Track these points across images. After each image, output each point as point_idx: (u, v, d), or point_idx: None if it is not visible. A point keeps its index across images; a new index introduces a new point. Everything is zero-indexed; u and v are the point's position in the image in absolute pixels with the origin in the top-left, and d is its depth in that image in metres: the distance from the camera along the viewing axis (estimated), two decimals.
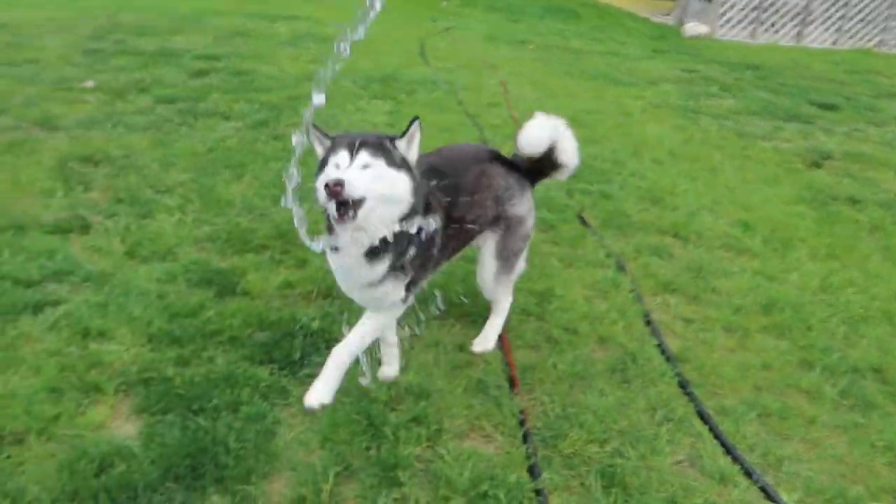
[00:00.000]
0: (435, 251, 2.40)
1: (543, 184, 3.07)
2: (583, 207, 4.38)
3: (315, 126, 2.23)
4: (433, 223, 2.28)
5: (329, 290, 3.17)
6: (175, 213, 3.75)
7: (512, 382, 2.70)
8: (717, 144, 6.25)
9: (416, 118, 2.24)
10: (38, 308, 2.85)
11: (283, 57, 7.74)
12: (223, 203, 3.94)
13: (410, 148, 2.23)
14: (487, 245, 2.79)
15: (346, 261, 2.22)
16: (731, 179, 5.34)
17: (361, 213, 2.03)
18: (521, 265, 3.00)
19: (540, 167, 2.87)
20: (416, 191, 2.17)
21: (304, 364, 2.67)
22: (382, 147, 2.13)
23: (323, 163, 2.15)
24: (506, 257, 2.81)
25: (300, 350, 2.73)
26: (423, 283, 2.55)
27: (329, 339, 2.82)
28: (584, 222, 4.18)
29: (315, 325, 2.89)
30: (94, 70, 6.59)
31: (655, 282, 3.59)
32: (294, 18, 10.36)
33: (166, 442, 2.21)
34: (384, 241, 2.15)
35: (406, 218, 2.17)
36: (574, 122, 6.05)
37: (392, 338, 2.63)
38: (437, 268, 2.61)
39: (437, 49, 9.28)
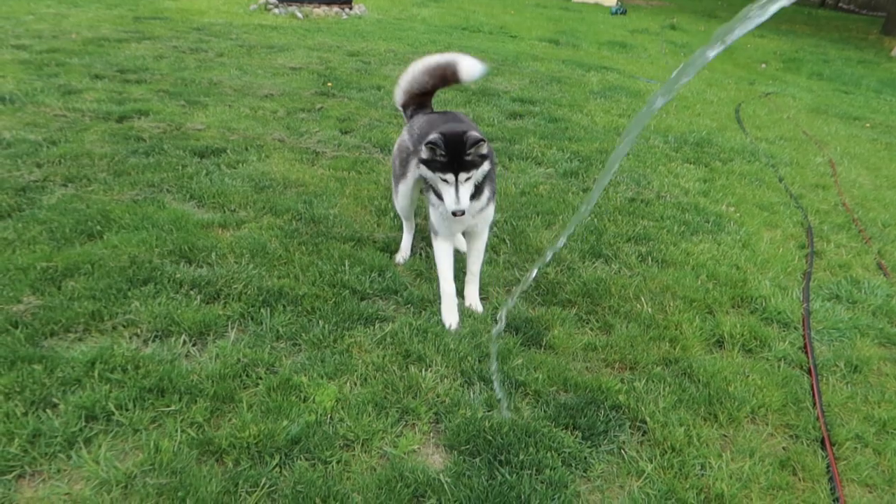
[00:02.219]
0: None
1: None
2: None
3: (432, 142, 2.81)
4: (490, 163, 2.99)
5: (635, 363, 3.05)
6: (488, 252, 3.90)
7: None
8: None
9: (480, 139, 2.82)
10: (369, 321, 3.12)
11: (595, 108, 7.80)
12: (532, 249, 4.02)
13: (479, 149, 2.84)
14: None
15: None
16: None
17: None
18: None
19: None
20: (491, 154, 2.95)
21: (608, 438, 2.57)
22: (474, 163, 2.83)
23: (430, 163, 2.86)
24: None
25: (605, 423, 2.63)
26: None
27: (635, 418, 2.69)
28: None
29: (621, 398, 2.77)
30: None
31: None
32: (606, 69, 10.45)
33: (473, 486, 2.24)
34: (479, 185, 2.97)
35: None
36: None
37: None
38: None
39: (756, 116, 8.68)
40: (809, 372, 3.17)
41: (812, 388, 3.04)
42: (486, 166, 2.92)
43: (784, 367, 3.19)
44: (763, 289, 3.82)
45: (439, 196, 2.98)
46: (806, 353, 3.32)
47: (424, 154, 2.87)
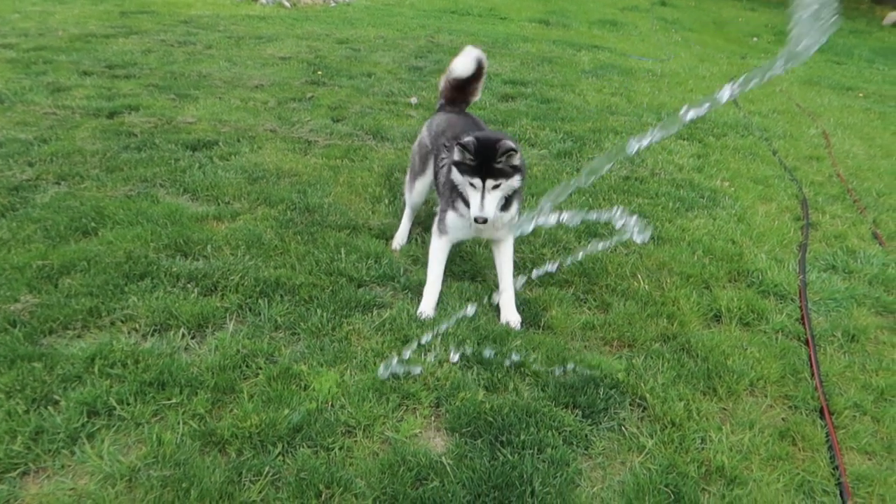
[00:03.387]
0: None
1: None
2: None
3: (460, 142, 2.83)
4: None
5: (633, 340, 3.06)
6: None
7: (843, 492, 2.34)
8: None
9: (511, 148, 2.80)
10: (367, 308, 3.12)
11: (587, 87, 7.78)
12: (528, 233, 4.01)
13: (511, 160, 2.83)
14: None
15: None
16: None
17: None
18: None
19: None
20: (523, 167, 2.92)
21: (608, 416, 2.58)
22: (504, 172, 2.80)
23: (460, 165, 2.85)
24: None
25: (605, 400, 2.64)
26: None
27: (634, 395, 2.70)
28: None
29: (620, 376, 2.78)
30: (417, 87, 7.20)
31: None
32: (597, 48, 10.41)
33: (476, 467, 2.25)
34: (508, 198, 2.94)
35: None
36: None
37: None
38: None
39: (749, 90, 8.66)
40: (807, 343, 3.18)
41: (810, 359, 3.05)
42: (516, 181, 2.87)
43: (782, 338, 3.21)
44: (759, 262, 3.83)
45: (466, 202, 2.95)
46: (803, 324, 3.33)
47: (456, 155, 2.86)
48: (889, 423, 2.70)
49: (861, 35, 15.40)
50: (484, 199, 2.82)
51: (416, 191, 3.64)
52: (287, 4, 12.45)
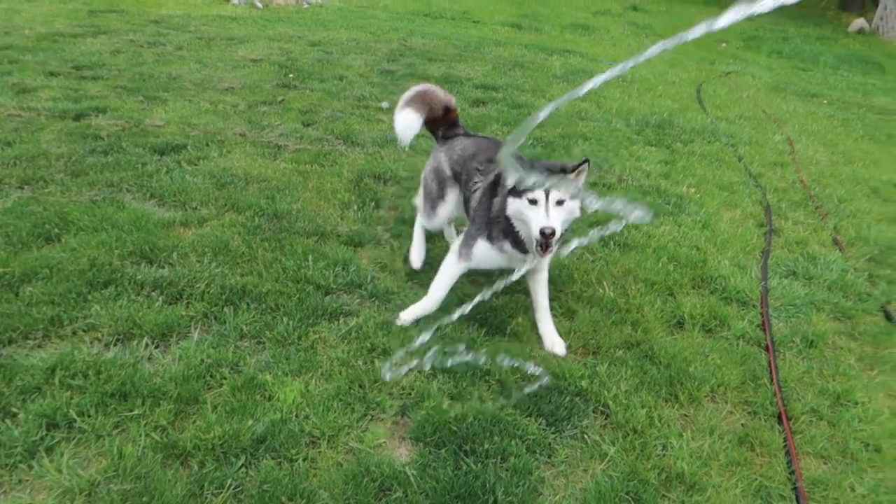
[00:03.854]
0: None
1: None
2: (889, 300, 3.82)
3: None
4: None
5: (597, 348, 3.10)
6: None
7: (798, 497, 2.40)
8: None
9: (586, 160, 2.76)
10: (333, 316, 3.12)
11: (558, 92, 7.84)
12: None
13: (579, 179, 2.77)
14: None
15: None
16: None
17: (555, 240, 2.68)
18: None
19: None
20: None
21: (571, 424, 2.62)
22: (569, 184, 2.70)
23: (515, 192, 2.75)
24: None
25: (568, 409, 2.67)
26: None
27: (598, 402, 2.74)
28: (889, 318, 3.64)
29: (584, 384, 2.82)
30: (388, 91, 7.19)
31: None
32: (569, 53, 10.49)
33: (439, 477, 2.27)
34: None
35: None
36: (877, 196, 5.39)
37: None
38: None
39: (716, 96, 8.81)
40: (767, 349, 3.25)
41: (769, 365, 3.12)
42: (576, 209, 2.75)
43: (743, 344, 3.27)
44: (722, 268, 3.90)
45: (507, 233, 2.88)
46: (764, 330, 3.40)
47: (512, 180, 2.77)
48: (844, 427, 2.78)
49: (827, 42, 15.72)
50: (549, 212, 2.67)
51: (438, 217, 3.53)
52: (259, 5, 12.37)
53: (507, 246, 2.93)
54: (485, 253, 3.02)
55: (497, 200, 2.94)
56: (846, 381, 3.06)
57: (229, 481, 2.18)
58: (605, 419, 2.69)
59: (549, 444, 2.52)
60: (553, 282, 3.58)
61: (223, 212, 4.01)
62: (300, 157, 5.00)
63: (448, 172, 3.41)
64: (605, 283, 3.62)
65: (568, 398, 2.72)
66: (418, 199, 3.68)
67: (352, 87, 7.21)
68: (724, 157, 6.09)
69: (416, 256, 3.68)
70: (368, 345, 2.93)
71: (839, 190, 5.59)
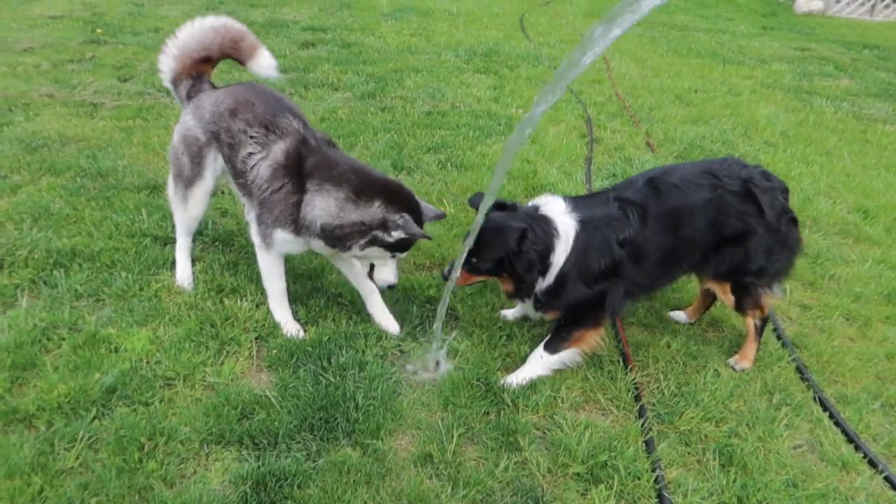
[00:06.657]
0: None
1: None
2: None
3: None
4: None
5: (442, 260, 3.26)
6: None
7: (625, 358, 2.71)
8: (834, 127, 5.96)
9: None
10: (174, 264, 3.04)
11: (387, 29, 7.83)
12: None
13: None
14: None
15: None
16: (850, 164, 5.10)
17: None
18: None
19: None
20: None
21: (424, 330, 2.76)
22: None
23: (389, 245, 2.49)
24: None
25: (419, 317, 2.82)
26: None
27: (450, 308, 2.90)
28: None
29: (431, 291, 2.97)
30: None
31: None
32: None
33: (300, 394, 2.34)
34: None
35: None
36: (680, 101, 5.92)
37: None
38: None
39: (538, 24, 9.17)
40: None
41: None
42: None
43: None
44: (551, 176, 4.18)
45: (291, 218, 2.54)
46: None
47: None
48: (659, 298, 3.13)
49: None
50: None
51: (193, 202, 2.84)
52: None
53: (315, 242, 2.57)
54: (289, 242, 2.62)
55: (316, 211, 2.49)
56: None
57: (81, 433, 2.13)
58: (455, 322, 2.87)
59: (403, 350, 2.66)
60: None
61: (38, 176, 3.73)
62: (120, 114, 4.70)
63: (202, 140, 2.77)
64: (445, 201, 3.77)
65: (416, 307, 2.87)
66: (170, 188, 2.92)
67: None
68: (548, 79, 6.40)
69: (182, 277, 2.93)
70: (216, 286, 2.91)
71: (649, 99, 6.09)
